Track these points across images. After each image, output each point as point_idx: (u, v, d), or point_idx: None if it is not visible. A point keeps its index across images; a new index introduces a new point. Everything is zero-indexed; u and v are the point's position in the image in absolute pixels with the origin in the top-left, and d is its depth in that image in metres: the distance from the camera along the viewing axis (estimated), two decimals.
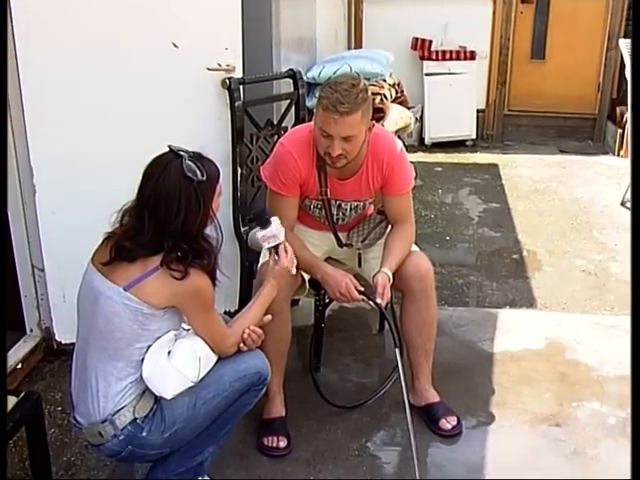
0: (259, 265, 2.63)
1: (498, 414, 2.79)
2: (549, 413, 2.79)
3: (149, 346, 2.03)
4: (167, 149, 2.04)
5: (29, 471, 2.26)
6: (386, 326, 3.39)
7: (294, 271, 2.36)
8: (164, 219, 1.96)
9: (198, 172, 1.98)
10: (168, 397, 2.05)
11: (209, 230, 2.09)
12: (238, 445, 2.59)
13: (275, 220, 2.27)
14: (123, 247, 1.97)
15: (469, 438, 2.66)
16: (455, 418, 2.70)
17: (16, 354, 3.03)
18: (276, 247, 2.29)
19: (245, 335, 2.17)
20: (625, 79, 5.54)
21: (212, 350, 2.11)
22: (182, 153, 2.00)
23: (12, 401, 1.98)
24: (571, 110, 7.04)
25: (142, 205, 1.99)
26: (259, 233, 2.27)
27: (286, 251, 2.30)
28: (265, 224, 2.26)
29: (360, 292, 2.48)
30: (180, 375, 2.04)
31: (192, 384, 2.06)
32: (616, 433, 2.66)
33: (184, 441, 2.16)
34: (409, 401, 2.46)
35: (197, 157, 2.02)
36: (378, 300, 2.44)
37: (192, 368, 2.05)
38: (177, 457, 2.20)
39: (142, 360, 2.03)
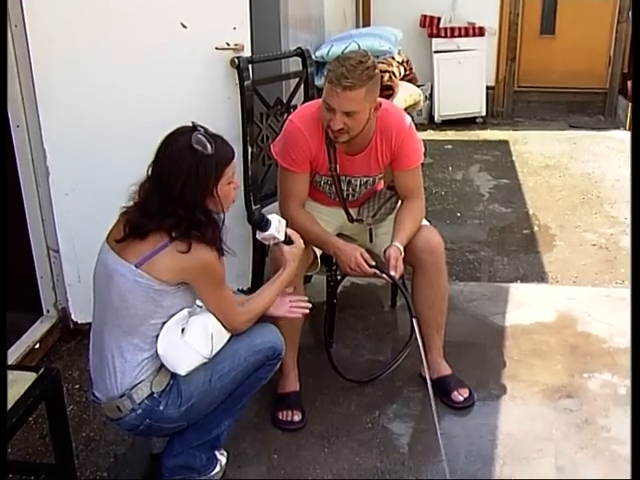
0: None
1: (510, 386, 2.82)
2: (560, 384, 2.82)
3: (164, 323, 2.07)
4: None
5: (50, 446, 2.30)
6: (398, 302, 3.42)
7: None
8: (166, 184, 2.00)
9: (207, 145, 2.00)
10: (182, 373, 2.09)
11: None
12: (254, 419, 2.64)
13: (273, 219, 2.30)
14: (134, 221, 2.01)
15: (481, 410, 2.70)
16: (467, 390, 2.73)
17: (33, 334, 3.08)
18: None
19: (291, 306, 2.35)
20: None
21: (224, 326, 2.14)
22: (199, 128, 2.04)
23: (32, 377, 2.02)
24: (582, 85, 6.99)
25: (152, 174, 2.04)
26: (259, 235, 2.33)
27: (293, 235, 2.35)
28: (264, 227, 2.30)
29: (372, 266, 2.51)
30: (193, 351, 2.08)
31: (205, 360, 2.10)
32: (627, 403, 2.67)
33: (200, 415, 2.20)
34: (426, 372, 2.47)
35: (212, 135, 2.05)
36: (392, 272, 2.46)
37: (205, 345, 2.09)
38: (194, 430, 2.24)
39: (157, 336, 2.07)
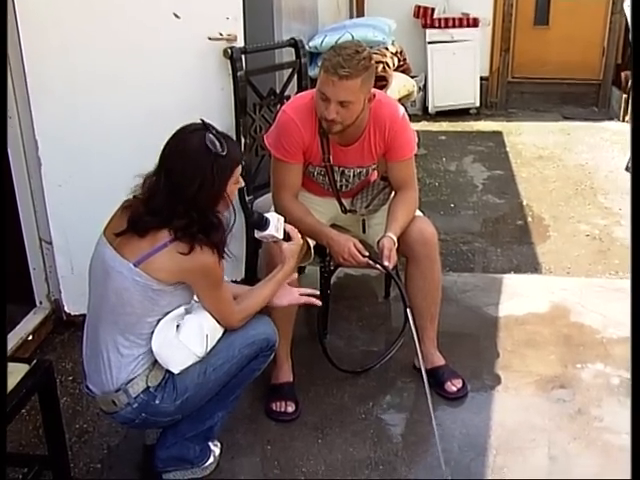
0: None
1: (503, 377, 2.82)
2: (554, 375, 2.82)
3: (159, 320, 2.06)
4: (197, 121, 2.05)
5: (43, 438, 2.30)
6: (392, 293, 3.43)
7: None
8: (178, 184, 1.97)
9: (219, 146, 1.98)
10: (175, 371, 2.09)
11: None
12: (247, 410, 2.64)
13: (272, 217, 2.29)
14: (137, 216, 1.99)
15: (474, 400, 2.70)
16: (460, 381, 2.73)
17: (26, 326, 3.07)
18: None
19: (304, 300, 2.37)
20: (630, 43, 5.49)
21: (219, 323, 2.14)
22: (209, 126, 2.02)
23: (24, 369, 2.02)
24: (575, 76, 7.00)
25: (161, 169, 2.01)
26: (257, 234, 2.31)
27: (292, 231, 2.33)
28: (264, 227, 2.27)
29: (365, 256, 2.51)
30: (187, 351, 2.08)
31: (199, 359, 2.10)
32: (620, 393, 2.70)
33: (195, 407, 2.20)
34: (421, 362, 2.50)
35: (223, 135, 2.03)
36: (385, 263, 2.46)
37: (199, 344, 2.09)
38: (187, 422, 2.24)
39: (153, 333, 2.06)
